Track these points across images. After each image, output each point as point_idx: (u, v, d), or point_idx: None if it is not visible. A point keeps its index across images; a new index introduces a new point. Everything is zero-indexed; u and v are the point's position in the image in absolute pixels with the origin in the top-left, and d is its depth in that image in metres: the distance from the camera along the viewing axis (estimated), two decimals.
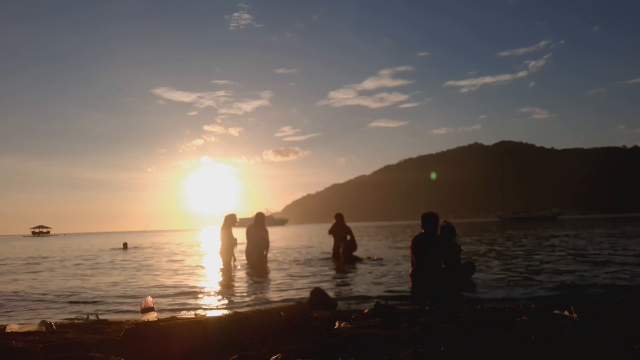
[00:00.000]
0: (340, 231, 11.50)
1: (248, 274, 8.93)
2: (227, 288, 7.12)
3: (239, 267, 9.98)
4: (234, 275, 8.77)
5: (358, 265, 9.70)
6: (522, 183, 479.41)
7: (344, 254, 10.84)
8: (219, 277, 8.78)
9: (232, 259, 10.19)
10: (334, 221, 11.63)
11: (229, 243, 10.16)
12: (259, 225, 10.57)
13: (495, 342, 2.60)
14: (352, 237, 11.38)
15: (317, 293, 4.81)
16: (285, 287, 6.91)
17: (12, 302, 6.25)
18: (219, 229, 10.42)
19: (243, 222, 10.68)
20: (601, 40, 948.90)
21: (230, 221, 10.23)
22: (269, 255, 11.32)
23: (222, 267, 10.09)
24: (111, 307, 5.56)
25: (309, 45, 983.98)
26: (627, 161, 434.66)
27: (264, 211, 11.51)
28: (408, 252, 7.11)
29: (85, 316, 4.44)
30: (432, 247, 6.20)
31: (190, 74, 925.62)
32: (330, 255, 11.83)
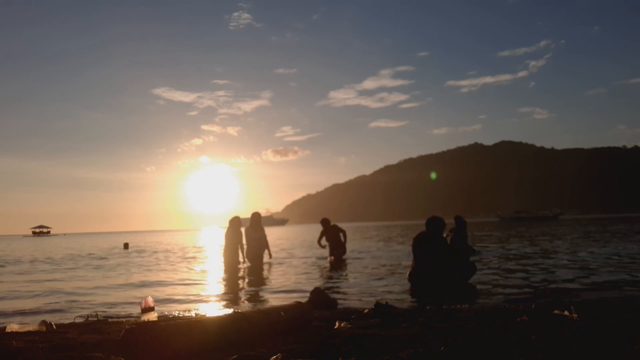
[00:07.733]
0: (331, 234, 11.52)
1: (248, 274, 8.94)
2: (227, 288, 7.13)
3: (244, 267, 10.00)
4: (235, 276, 8.79)
5: (357, 266, 9.71)
6: (522, 183, 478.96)
7: (337, 259, 11.00)
8: (219, 277, 8.80)
9: (240, 259, 10.28)
10: (322, 229, 11.66)
11: (233, 243, 10.26)
12: (256, 225, 10.57)
13: (495, 342, 2.60)
14: (345, 237, 11.44)
15: (317, 293, 4.82)
16: (285, 287, 6.91)
17: (12, 300, 6.25)
18: (224, 232, 10.56)
19: (243, 222, 10.68)
20: (601, 40, 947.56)
21: (236, 224, 10.40)
22: (272, 255, 11.32)
23: (224, 267, 10.15)
24: (111, 307, 5.56)
25: (309, 45, 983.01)
26: (627, 161, 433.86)
27: (263, 211, 11.61)
28: (408, 252, 7.10)
29: (85, 316, 4.44)
30: (431, 246, 6.24)
31: (190, 74, 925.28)
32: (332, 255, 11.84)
